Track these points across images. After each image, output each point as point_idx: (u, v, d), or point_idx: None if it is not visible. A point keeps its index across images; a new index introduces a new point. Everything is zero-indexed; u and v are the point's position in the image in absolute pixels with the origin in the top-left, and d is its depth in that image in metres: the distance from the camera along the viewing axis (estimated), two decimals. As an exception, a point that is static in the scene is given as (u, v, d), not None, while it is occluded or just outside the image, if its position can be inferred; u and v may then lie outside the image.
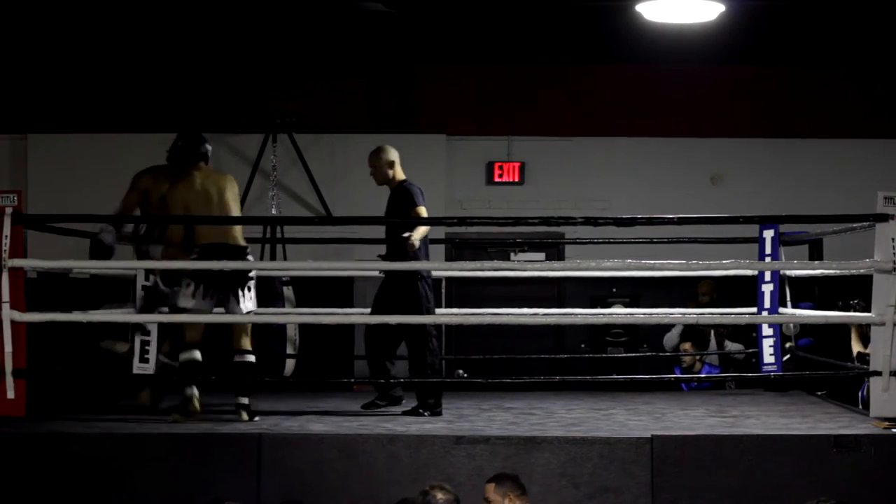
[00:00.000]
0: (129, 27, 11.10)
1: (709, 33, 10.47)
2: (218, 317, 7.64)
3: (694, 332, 10.37)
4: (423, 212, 8.03)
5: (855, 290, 8.64)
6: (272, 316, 8.64)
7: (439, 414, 7.84)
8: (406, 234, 7.79)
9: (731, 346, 10.39)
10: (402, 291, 7.94)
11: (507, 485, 5.88)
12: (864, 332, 8.48)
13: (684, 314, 9.08)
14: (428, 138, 11.87)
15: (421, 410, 7.84)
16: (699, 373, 10.32)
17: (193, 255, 7.53)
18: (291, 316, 9.46)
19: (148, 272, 7.71)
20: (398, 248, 7.86)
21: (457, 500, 5.42)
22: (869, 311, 8.40)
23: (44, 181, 11.65)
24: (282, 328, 9.70)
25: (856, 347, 8.62)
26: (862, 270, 7.24)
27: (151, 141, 11.78)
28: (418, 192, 8.06)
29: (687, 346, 10.36)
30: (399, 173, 8.13)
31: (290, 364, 9.73)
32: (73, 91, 11.98)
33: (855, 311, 8.60)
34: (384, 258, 8.09)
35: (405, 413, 7.86)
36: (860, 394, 8.32)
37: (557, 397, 8.80)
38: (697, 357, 10.39)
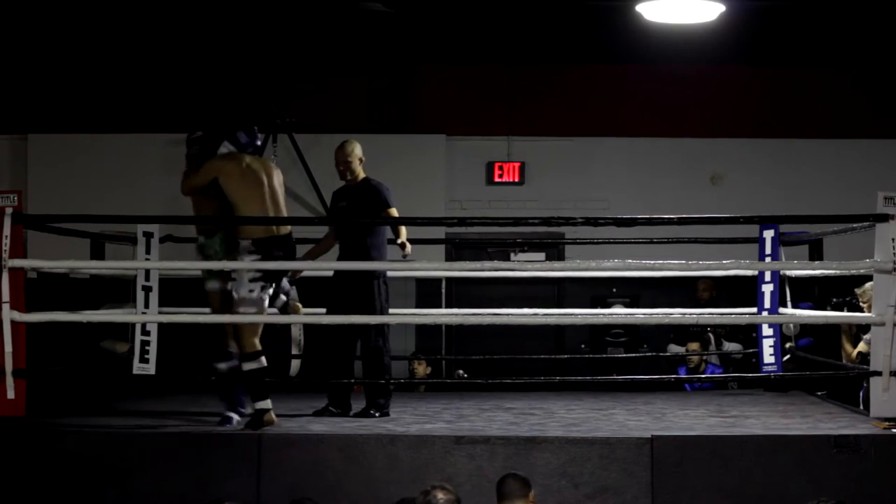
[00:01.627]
0: (129, 27, 11.10)
1: (709, 33, 10.47)
2: (219, 317, 7.64)
3: (700, 332, 10.40)
4: (395, 213, 7.99)
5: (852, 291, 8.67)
6: (274, 316, 8.62)
7: (387, 415, 7.73)
8: (401, 241, 7.86)
9: (728, 345, 10.39)
10: (358, 290, 7.81)
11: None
12: (855, 333, 8.49)
13: (684, 314, 9.07)
14: (428, 138, 11.87)
15: (371, 411, 7.72)
16: (703, 373, 10.33)
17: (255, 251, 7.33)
18: (291, 316, 9.45)
19: None
20: (357, 245, 7.82)
21: (458, 500, 5.40)
22: (857, 306, 8.47)
23: (44, 181, 11.65)
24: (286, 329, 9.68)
25: (847, 348, 8.63)
26: (862, 270, 7.24)
27: (151, 141, 11.86)
28: (388, 192, 7.96)
29: (695, 345, 10.36)
30: (362, 170, 8.00)
31: (295, 364, 9.71)
32: (73, 91, 11.98)
33: (850, 309, 8.62)
34: (341, 257, 7.98)
35: (355, 415, 7.73)
36: (861, 393, 8.32)
37: (558, 397, 8.80)
38: (703, 357, 10.39)
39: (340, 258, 7.99)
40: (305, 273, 8.52)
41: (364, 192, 7.95)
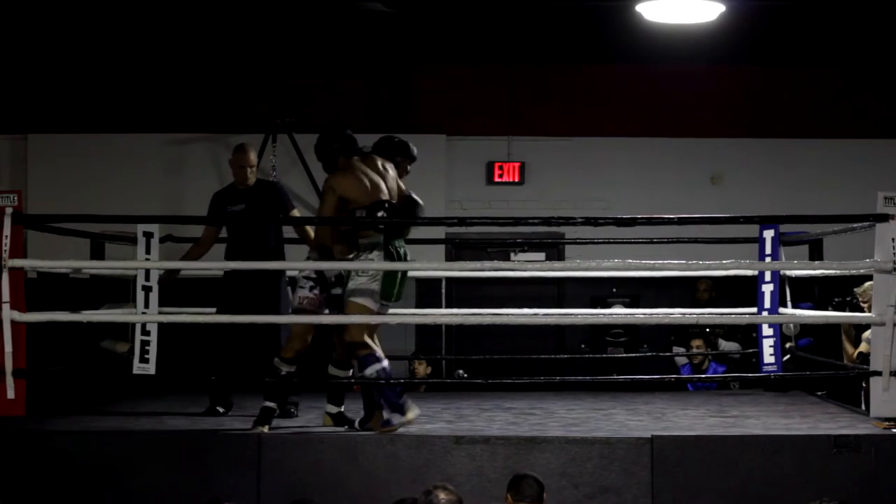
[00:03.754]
0: (130, 27, 11.10)
1: (709, 33, 10.48)
2: (218, 317, 7.65)
3: (702, 330, 10.42)
4: (297, 213, 8.29)
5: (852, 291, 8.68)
6: (273, 316, 8.63)
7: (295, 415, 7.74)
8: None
9: (725, 345, 10.39)
10: (264, 290, 7.89)
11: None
12: (855, 335, 8.49)
13: (684, 314, 9.08)
14: (427, 138, 11.84)
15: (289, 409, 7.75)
16: (706, 371, 10.35)
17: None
18: (291, 316, 9.45)
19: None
20: (262, 245, 7.94)
21: (459, 500, 5.40)
22: (858, 306, 8.46)
23: (44, 181, 11.65)
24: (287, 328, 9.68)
25: (849, 349, 8.63)
26: (862, 270, 7.25)
27: (151, 141, 11.87)
28: (288, 192, 8.27)
29: (698, 342, 10.37)
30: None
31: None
32: (73, 91, 11.98)
33: (851, 309, 8.61)
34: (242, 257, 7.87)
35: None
36: (863, 393, 8.32)
37: (558, 397, 8.80)
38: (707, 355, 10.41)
39: (238, 258, 7.94)
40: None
41: (264, 193, 8.15)
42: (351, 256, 7.30)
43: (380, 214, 7.11)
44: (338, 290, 7.34)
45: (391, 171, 7.48)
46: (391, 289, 7.20)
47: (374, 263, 7.18)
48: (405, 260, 7.32)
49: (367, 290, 7.17)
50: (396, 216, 7.17)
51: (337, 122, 7.52)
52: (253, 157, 8.22)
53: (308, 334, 7.35)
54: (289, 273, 7.91)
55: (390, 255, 7.19)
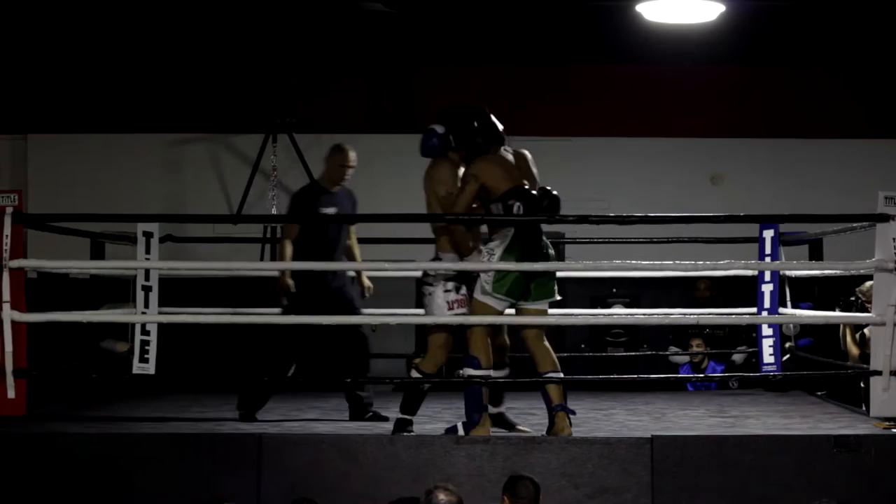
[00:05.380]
0: (130, 27, 11.11)
1: (709, 33, 10.48)
2: (217, 318, 7.65)
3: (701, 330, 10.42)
4: None
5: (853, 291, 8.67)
6: (273, 317, 8.63)
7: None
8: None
9: (737, 356, 10.35)
10: (348, 293, 7.96)
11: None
12: (860, 339, 8.48)
13: (684, 314, 9.07)
14: (428, 138, 11.85)
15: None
16: (705, 370, 10.34)
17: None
18: (291, 317, 9.45)
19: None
20: (342, 248, 7.91)
21: (460, 501, 5.39)
22: (864, 306, 8.45)
23: (44, 181, 11.66)
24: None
25: (853, 350, 8.61)
26: (862, 270, 7.24)
27: (152, 141, 11.88)
28: None
29: (698, 342, 10.36)
30: None
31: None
32: (73, 91, 11.98)
33: (858, 308, 8.61)
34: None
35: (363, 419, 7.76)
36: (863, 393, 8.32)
37: (557, 397, 8.78)
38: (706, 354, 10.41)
39: (324, 259, 7.82)
40: (188, 273, 8.43)
41: (349, 197, 8.03)
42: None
43: (516, 206, 6.92)
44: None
45: (534, 168, 7.28)
46: (515, 286, 7.03)
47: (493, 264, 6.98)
48: (547, 256, 7.15)
49: (483, 287, 7.04)
50: (533, 207, 7.02)
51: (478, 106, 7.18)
52: (354, 157, 7.97)
53: (450, 344, 7.19)
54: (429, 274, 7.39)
55: (517, 252, 6.97)
